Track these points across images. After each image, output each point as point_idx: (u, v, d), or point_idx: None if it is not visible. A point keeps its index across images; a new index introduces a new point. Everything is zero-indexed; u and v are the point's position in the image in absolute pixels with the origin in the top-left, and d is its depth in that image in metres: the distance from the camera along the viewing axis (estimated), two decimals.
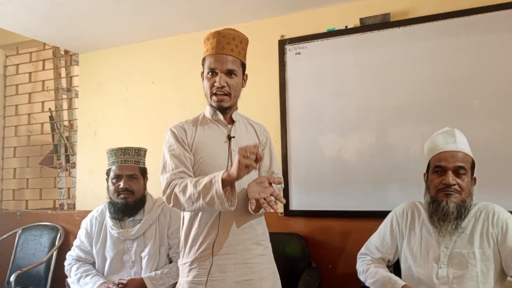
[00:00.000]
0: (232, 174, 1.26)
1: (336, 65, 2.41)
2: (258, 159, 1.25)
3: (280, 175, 1.64)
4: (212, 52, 1.46)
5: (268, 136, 1.65)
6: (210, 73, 1.47)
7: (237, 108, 1.58)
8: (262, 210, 1.43)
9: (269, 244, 1.58)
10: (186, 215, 1.51)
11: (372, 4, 2.36)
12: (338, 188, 2.34)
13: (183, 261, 1.50)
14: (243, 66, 1.53)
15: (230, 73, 1.46)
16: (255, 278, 1.46)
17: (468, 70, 2.13)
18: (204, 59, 1.50)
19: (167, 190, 1.41)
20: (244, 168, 1.24)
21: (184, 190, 1.36)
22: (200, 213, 1.46)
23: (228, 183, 1.29)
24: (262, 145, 1.60)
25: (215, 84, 1.45)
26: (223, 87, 1.45)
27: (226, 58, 1.45)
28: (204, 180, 1.32)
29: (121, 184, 2.03)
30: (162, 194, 1.44)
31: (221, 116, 1.53)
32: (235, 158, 1.25)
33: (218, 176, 1.29)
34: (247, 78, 1.56)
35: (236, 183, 1.33)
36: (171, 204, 1.41)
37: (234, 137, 1.51)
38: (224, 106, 1.49)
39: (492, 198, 1.84)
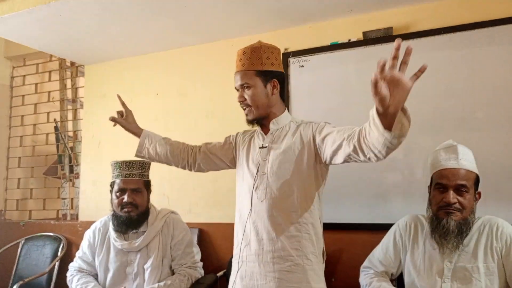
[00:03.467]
0: None
1: (339, 77, 2.42)
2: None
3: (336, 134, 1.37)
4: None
5: (313, 128, 1.50)
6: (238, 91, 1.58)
7: (277, 115, 1.57)
8: (296, 226, 1.47)
9: (307, 262, 1.45)
10: None
11: (374, 18, 2.38)
12: (341, 200, 2.33)
13: None
14: (262, 74, 1.52)
15: (242, 87, 1.54)
16: None
17: (470, 82, 2.13)
18: None
19: None
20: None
21: None
22: (236, 212, 1.60)
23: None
24: (309, 143, 1.49)
25: (238, 99, 1.57)
26: (242, 101, 1.56)
27: (237, 74, 1.55)
28: None
29: (125, 198, 2.04)
30: None
31: (258, 128, 1.63)
32: None
33: None
34: (276, 84, 1.54)
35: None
36: None
37: (264, 147, 1.56)
38: (249, 119, 1.58)
39: (496, 210, 1.84)
